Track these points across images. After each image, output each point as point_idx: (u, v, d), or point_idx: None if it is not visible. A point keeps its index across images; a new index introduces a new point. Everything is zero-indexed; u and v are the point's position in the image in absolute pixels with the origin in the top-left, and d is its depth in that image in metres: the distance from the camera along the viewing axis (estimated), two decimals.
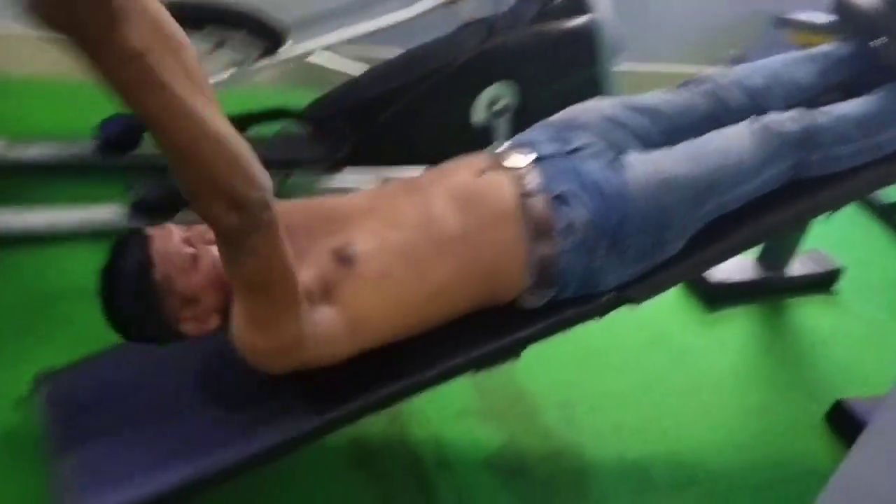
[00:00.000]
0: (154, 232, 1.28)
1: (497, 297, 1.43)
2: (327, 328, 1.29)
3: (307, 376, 1.35)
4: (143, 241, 1.26)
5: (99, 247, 1.98)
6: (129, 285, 1.26)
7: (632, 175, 1.42)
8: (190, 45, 0.96)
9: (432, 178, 1.46)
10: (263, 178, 1.05)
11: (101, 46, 0.84)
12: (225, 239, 1.11)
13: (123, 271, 1.26)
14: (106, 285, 1.28)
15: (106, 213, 2.08)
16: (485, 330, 1.45)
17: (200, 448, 1.37)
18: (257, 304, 1.20)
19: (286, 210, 1.30)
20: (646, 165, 1.44)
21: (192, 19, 2.10)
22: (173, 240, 1.27)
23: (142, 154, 2.25)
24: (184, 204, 2.04)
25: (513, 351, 1.49)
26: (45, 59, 2.59)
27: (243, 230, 1.07)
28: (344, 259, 1.30)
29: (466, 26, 2.46)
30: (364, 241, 1.33)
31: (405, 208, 1.39)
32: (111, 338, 1.40)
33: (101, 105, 2.29)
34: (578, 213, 1.39)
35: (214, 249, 1.24)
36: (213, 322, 1.32)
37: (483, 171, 1.44)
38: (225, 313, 1.29)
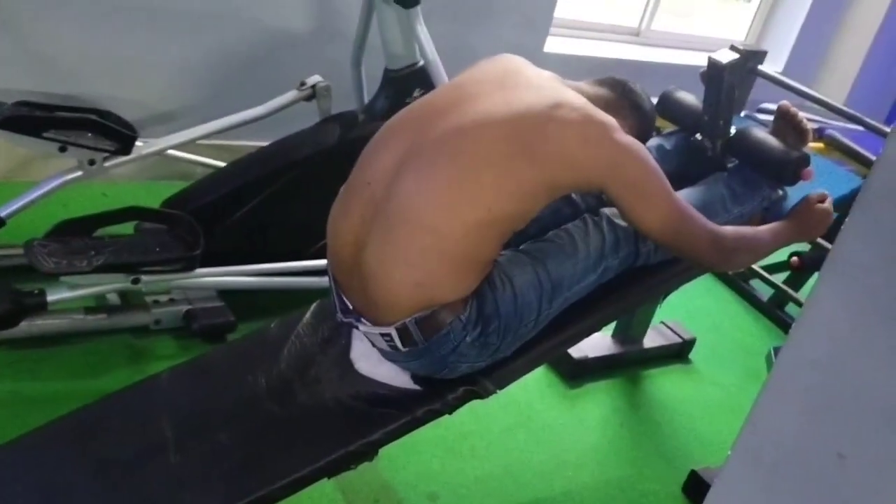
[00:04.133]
0: None
1: (446, 288, 1.45)
2: None
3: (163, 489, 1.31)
4: None
5: None
6: None
7: (497, 279, 1.48)
8: None
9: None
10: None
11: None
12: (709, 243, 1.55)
13: None
14: None
15: None
16: (336, 435, 1.45)
17: None
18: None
19: None
20: (505, 269, 1.50)
21: (31, 126, 2.06)
22: None
23: None
24: (27, 312, 1.98)
25: (365, 455, 1.49)
26: None
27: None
28: None
29: (325, 121, 2.51)
30: None
31: None
32: None
33: None
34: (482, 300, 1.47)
35: None
36: None
37: None
38: None
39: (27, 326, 2.02)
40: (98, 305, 2.20)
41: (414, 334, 1.45)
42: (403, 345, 1.47)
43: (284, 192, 2.31)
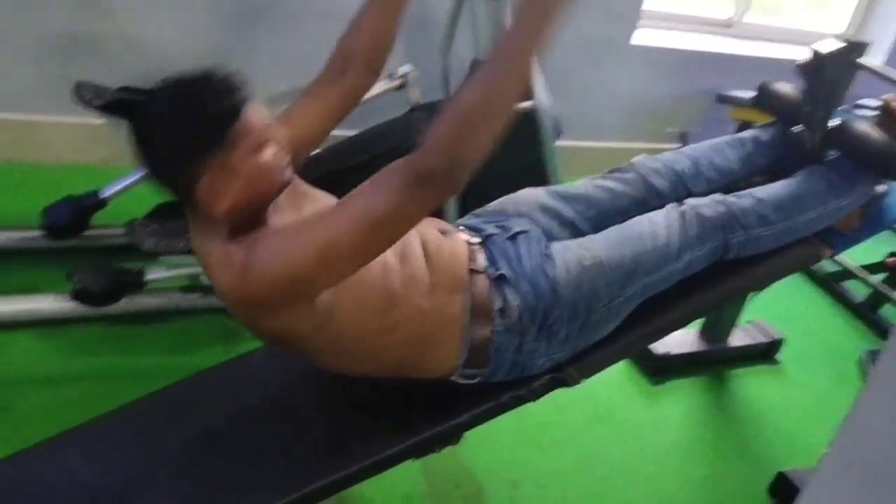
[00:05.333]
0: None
1: (426, 365, 1.43)
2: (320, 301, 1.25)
3: (250, 463, 1.35)
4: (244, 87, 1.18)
5: (40, 336, 1.99)
6: (210, 99, 1.16)
7: (560, 261, 1.47)
8: None
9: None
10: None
11: None
12: (418, 171, 1.10)
13: (214, 85, 1.17)
14: (186, 85, 1.18)
15: (48, 302, 2.07)
16: (422, 417, 1.46)
17: None
18: (353, 237, 1.14)
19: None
20: (571, 253, 1.49)
21: (131, 111, 2.14)
22: (267, 118, 1.22)
23: (88, 237, 2.27)
24: (127, 290, 2.07)
25: (451, 437, 1.50)
26: None
27: (436, 181, 1.11)
28: None
29: (414, 110, 2.53)
30: None
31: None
32: (49, 426, 1.39)
33: (47, 190, 2.33)
34: (512, 296, 1.42)
35: (286, 161, 1.23)
36: (221, 207, 1.20)
37: (445, 232, 1.49)
38: (235, 218, 1.23)
39: (126, 303, 2.11)
40: (193, 285, 2.28)
41: (471, 374, 1.44)
42: (473, 377, 1.46)
43: None
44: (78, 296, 2.01)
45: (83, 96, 2.15)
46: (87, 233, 2.26)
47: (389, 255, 1.34)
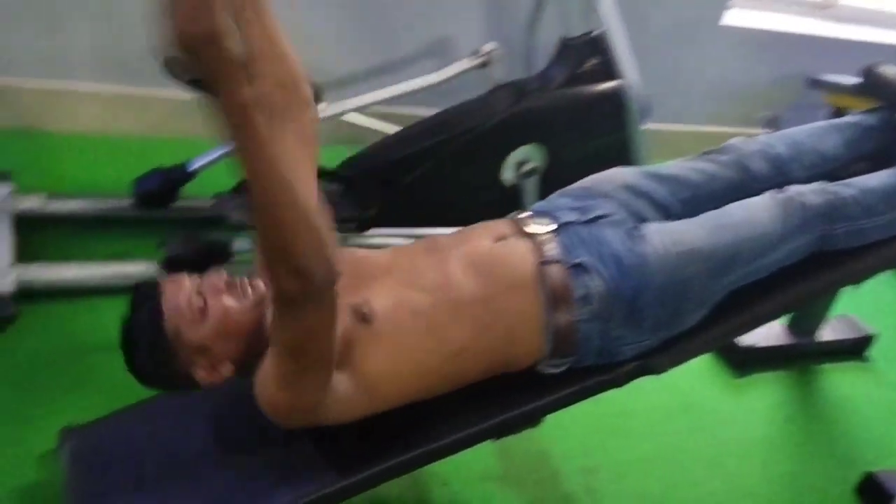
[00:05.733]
0: (166, 282, 1.31)
1: (514, 363, 1.43)
2: (345, 390, 1.30)
3: (331, 437, 1.36)
4: (155, 292, 1.30)
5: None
6: (142, 335, 1.30)
7: (650, 246, 1.43)
8: (313, 108, 1.02)
9: (453, 242, 1.47)
10: (334, 258, 1.06)
11: (219, 90, 0.91)
12: (278, 299, 1.12)
13: (137, 322, 1.30)
14: (123, 334, 1.33)
15: (138, 269, 2.12)
16: (504, 397, 1.45)
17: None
18: (289, 365, 1.21)
19: None
20: (665, 236, 1.45)
21: None
22: (183, 291, 1.29)
23: (177, 209, 2.33)
24: (214, 261, 2.11)
25: (532, 418, 1.49)
26: (84, 115, 2.70)
27: (299, 298, 1.09)
28: (361, 316, 1.31)
29: (497, 89, 2.50)
30: (382, 300, 1.34)
31: (424, 269, 1.40)
32: (138, 392, 1.43)
33: (137, 161, 2.39)
34: (595, 283, 1.39)
35: (227, 299, 1.29)
36: (226, 370, 1.33)
37: (502, 238, 1.45)
38: (240, 362, 1.33)
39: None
40: None
41: (558, 363, 1.43)
42: (561, 366, 1.44)
43: (454, 160, 2.33)
44: (168, 264, 2.05)
45: (173, 70, 2.19)
46: (176, 204, 2.31)
47: (418, 295, 1.35)
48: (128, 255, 2.23)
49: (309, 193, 1.01)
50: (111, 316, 1.73)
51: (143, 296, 1.32)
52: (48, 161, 2.60)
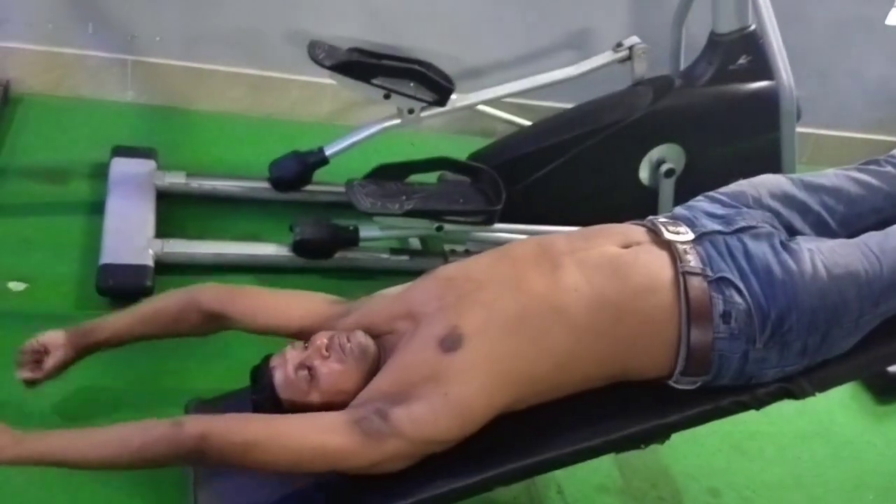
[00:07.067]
0: (275, 363, 1.37)
1: (634, 373, 1.36)
2: (441, 423, 1.27)
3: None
4: (269, 374, 1.36)
5: (260, 281, 2.09)
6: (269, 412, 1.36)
7: (801, 265, 1.32)
8: None
9: (570, 247, 1.39)
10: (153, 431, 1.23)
11: None
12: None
13: (258, 405, 1.37)
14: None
15: (270, 250, 2.17)
16: (632, 411, 1.39)
17: (337, 498, 1.39)
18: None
19: (391, 297, 1.46)
20: (818, 255, 1.33)
21: (362, 72, 2.19)
22: (289, 368, 1.34)
23: (309, 192, 2.37)
24: (342, 245, 2.13)
25: (661, 436, 1.42)
26: (228, 96, 2.79)
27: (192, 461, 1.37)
28: (449, 347, 1.28)
29: (638, 84, 2.41)
30: (473, 319, 1.30)
31: (530, 276, 1.34)
32: None
33: (275, 143, 2.45)
34: (737, 300, 1.30)
35: (332, 363, 1.33)
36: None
37: (633, 243, 1.38)
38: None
39: (338, 258, 2.18)
40: (401, 247, 2.32)
41: (691, 381, 1.35)
42: (693, 384, 1.36)
43: (588, 157, 2.27)
44: (298, 246, 2.09)
45: (315, 55, 2.22)
46: (309, 188, 2.35)
47: (515, 304, 1.32)
48: (260, 236, 2.28)
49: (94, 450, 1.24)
50: None
51: (260, 378, 1.39)
52: (191, 139, 2.70)
